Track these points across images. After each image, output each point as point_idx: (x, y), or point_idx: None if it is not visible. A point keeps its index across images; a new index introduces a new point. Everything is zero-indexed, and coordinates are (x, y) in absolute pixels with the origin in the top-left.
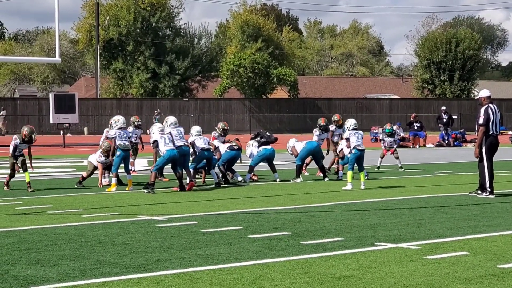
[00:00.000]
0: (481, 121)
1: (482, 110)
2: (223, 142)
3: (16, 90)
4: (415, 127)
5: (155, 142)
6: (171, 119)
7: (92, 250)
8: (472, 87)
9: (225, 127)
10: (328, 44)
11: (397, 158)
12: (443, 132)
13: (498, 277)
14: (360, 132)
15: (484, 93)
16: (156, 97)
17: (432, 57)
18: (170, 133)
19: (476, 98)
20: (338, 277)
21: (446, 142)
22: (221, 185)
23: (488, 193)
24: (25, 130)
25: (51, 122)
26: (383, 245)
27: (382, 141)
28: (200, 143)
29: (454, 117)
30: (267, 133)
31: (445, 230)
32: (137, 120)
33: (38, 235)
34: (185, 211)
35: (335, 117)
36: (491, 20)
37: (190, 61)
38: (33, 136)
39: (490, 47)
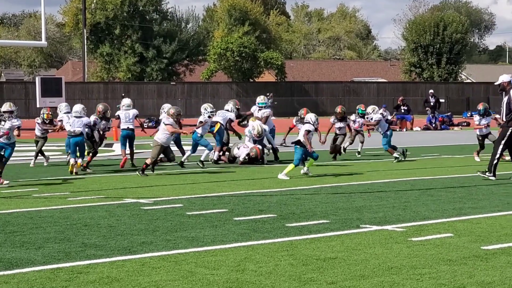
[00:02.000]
0: None
1: None
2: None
3: (2, 74)
4: (402, 111)
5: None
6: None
7: (77, 232)
8: (460, 70)
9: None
10: (316, 28)
11: (362, 142)
12: (430, 116)
13: (482, 258)
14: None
15: (506, 77)
16: (143, 81)
17: (420, 41)
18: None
19: (464, 81)
20: (322, 259)
21: (433, 125)
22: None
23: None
24: (100, 107)
25: (38, 106)
26: (368, 227)
27: (353, 122)
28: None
29: (442, 100)
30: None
31: (430, 212)
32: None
33: (23, 218)
34: (171, 194)
35: (338, 109)
36: (479, 4)
37: (177, 45)
38: (107, 112)
39: (477, 30)
